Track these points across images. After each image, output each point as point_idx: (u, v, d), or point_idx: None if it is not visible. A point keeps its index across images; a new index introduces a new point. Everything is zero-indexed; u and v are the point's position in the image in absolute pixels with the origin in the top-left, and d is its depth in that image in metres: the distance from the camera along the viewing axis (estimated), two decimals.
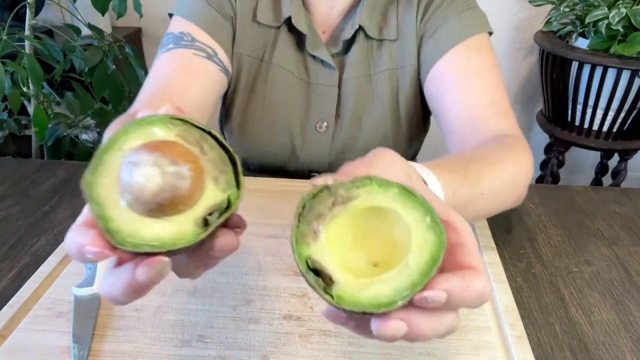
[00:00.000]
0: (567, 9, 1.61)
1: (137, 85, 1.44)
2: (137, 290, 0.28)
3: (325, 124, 0.76)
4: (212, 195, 0.29)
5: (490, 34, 0.71)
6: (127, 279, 0.27)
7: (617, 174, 1.83)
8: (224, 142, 0.31)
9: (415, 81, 0.75)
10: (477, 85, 0.66)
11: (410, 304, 0.27)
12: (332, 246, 0.29)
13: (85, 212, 0.30)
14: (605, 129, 1.69)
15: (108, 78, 1.37)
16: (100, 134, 1.43)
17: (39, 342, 0.46)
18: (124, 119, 0.40)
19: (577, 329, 0.50)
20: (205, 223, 0.29)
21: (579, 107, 1.69)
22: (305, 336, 0.46)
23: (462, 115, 0.65)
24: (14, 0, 1.66)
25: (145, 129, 0.30)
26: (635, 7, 1.46)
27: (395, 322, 0.26)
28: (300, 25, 0.71)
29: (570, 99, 1.69)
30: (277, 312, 0.49)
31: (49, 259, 0.56)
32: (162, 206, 0.27)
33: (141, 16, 1.41)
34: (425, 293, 0.26)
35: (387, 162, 0.34)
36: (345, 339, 0.46)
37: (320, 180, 0.30)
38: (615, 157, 1.84)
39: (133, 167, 0.27)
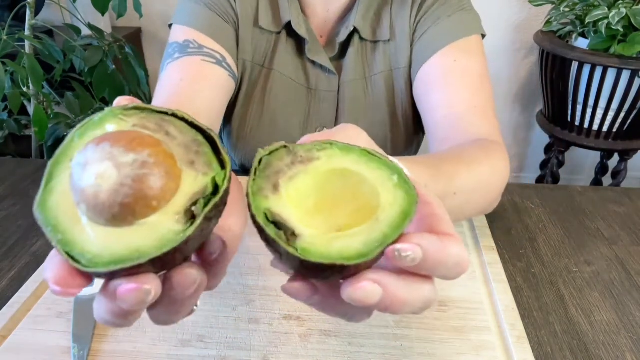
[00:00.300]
0: (567, 9, 1.61)
1: (137, 85, 1.44)
2: (128, 316, 0.25)
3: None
4: (191, 182, 0.24)
5: (483, 36, 0.71)
6: (112, 307, 0.24)
7: (617, 174, 1.83)
8: (195, 122, 0.26)
9: (410, 82, 0.75)
10: (460, 87, 0.66)
11: (383, 270, 0.24)
12: (293, 203, 0.26)
13: None
14: (605, 129, 1.69)
15: (108, 78, 1.37)
16: None
17: (39, 342, 0.46)
18: None
19: (577, 329, 0.50)
20: (191, 216, 0.24)
21: (579, 107, 1.69)
22: (305, 336, 0.46)
23: (443, 117, 0.65)
24: (14, 0, 1.66)
25: (96, 130, 0.25)
26: (635, 7, 1.46)
27: (368, 283, 0.24)
28: (300, 29, 0.71)
29: (570, 99, 1.69)
30: (277, 312, 0.49)
31: None
32: (127, 207, 0.22)
33: (141, 16, 1.41)
34: (399, 245, 0.24)
35: (353, 135, 0.33)
36: (345, 339, 0.46)
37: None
38: (615, 157, 1.84)
39: (80, 168, 0.23)
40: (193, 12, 0.69)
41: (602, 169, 1.93)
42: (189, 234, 0.23)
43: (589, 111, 1.67)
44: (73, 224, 0.23)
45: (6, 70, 1.19)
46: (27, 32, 1.29)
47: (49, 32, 1.56)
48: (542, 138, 2.00)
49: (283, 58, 0.74)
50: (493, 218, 0.65)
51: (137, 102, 0.27)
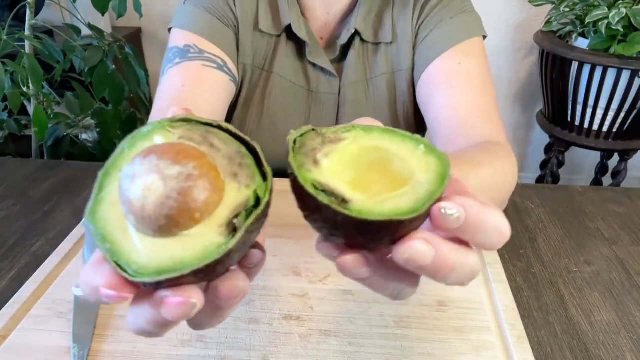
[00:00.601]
0: (567, 9, 1.61)
1: (137, 85, 1.44)
2: (168, 326, 0.25)
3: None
4: (234, 194, 0.25)
5: (484, 37, 0.71)
6: (153, 317, 0.24)
7: (617, 174, 1.83)
8: (239, 133, 0.26)
9: (412, 84, 0.75)
10: (464, 89, 0.66)
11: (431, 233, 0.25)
12: (335, 175, 0.26)
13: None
14: (605, 129, 1.69)
15: (108, 78, 1.37)
16: (100, 134, 1.43)
17: (39, 342, 0.46)
18: None
19: (577, 329, 0.50)
20: (233, 229, 0.24)
21: (579, 107, 1.69)
22: (305, 336, 0.46)
23: (447, 119, 0.65)
24: (14, 0, 1.66)
25: (144, 142, 0.26)
26: (635, 7, 1.46)
27: (420, 241, 0.24)
28: (300, 32, 0.71)
29: (570, 99, 1.69)
30: (277, 312, 0.49)
31: (49, 259, 0.56)
32: (173, 219, 0.23)
33: (141, 16, 1.41)
34: (444, 203, 0.24)
35: (370, 123, 0.32)
36: (345, 339, 0.46)
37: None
38: (615, 157, 1.84)
39: (129, 180, 0.23)
40: (193, 16, 0.69)
41: (602, 169, 1.93)
42: (231, 247, 0.23)
43: (589, 111, 1.67)
44: (121, 235, 0.24)
45: (6, 70, 1.19)
46: (27, 32, 1.29)
47: (49, 32, 1.56)
48: (542, 138, 2.00)
49: (283, 61, 0.74)
50: None
51: (188, 113, 0.27)
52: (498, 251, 0.59)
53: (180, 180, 0.23)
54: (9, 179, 0.77)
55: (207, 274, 0.23)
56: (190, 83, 0.64)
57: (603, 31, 1.48)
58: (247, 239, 0.24)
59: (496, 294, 0.51)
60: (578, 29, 1.62)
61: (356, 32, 0.71)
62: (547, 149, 1.97)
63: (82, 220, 0.61)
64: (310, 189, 0.24)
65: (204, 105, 0.64)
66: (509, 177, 0.55)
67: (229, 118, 0.77)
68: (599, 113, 1.66)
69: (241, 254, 0.25)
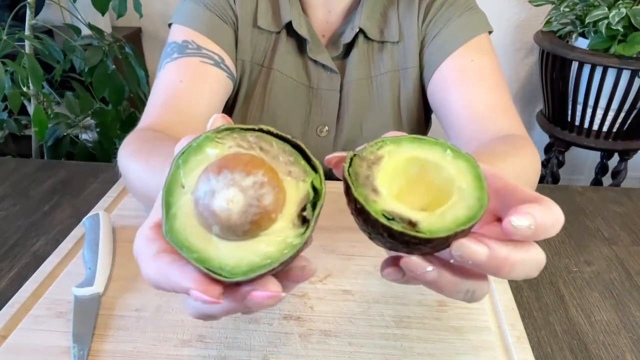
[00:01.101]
0: (567, 9, 1.61)
1: (137, 85, 1.44)
2: (237, 311, 0.28)
3: (326, 128, 0.76)
4: (295, 190, 0.27)
5: (490, 32, 0.72)
6: (234, 308, 0.27)
7: (617, 174, 1.83)
8: (280, 133, 0.29)
9: (417, 83, 0.75)
10: (479, 86, 0.67)
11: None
12: (394, 198, 0.29)
13: (148, 233, 0.29)
14: (605, 129, 1.69)
15: (108, 78, 1.37)
16: (100, 134, 1.43)
17: (39, 342, 0.46)
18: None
19: (577, 329, 0.50)
20: (303, 220, 0.27)
21: (579, 107, 1.69)
22: (305, 336, 0.46)
23: (467, 117, 0.65)
24: (14, 0, 1.66)
25: (197, 155, 0.28)
26: (635, 7, 1.46)
27: (473, 241, 0.26)
28: (301, 29, 0.71)
29: (570, 99, 1.69)
30: (277, 312, 0.49)
31: (49, 259, 0.56)
32: (256, 223, 0.25)
33: (141, 16, 1.41)
34: (513, 217, 0.26)
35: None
36: (345, 339, 0.46)
37: (335, 155, 0.32)
38: (615, 157, 1.84)
39: (210, 197, 0.25)
40: (192, 13, 0.70)
41: (602, 169, 1.93)
42: (307, 235, 0.26)
43: (589, 111, 1.67)
44: (205, 244, 0.26)
45: (6, 70, 1.19)
46: (27, 32, 1.29)
47: (49, 32, 1.56)
48: (542, 138, 2.00)
49: (283, 57, 0.74)
50: None
51: (228, 122, 0.29)
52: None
53: (256, 189, 0.25)
54: (9, 179, 0.77)
55: (290, 263, 0.26)
56: (187, 79, 0.65)
57: (603, 31, 1.48)
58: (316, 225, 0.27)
59: (496, 294, 0.51)
60: (578, 29, 1.62)
61: (360, 31, 0.71)
62: (547, 149, 1.97)
63: (82, 220, 0.61)
64: (384, 221, 0.27)
65: (201, 101, 0.65)
66: (535, 166, 0.55)
67: (229, 114, 0.78)
68: (599, 113, 1.66)
69: (311, 240, 0.28)
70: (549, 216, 0.27)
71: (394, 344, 0.46)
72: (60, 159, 1.35)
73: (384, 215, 0.28)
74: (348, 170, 0.29)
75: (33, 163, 0.83)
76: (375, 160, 0.30)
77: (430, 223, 0.27)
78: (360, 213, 0.28)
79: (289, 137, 0.29)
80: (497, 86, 0.67)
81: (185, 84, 0.65)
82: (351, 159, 0.30)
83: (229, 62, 0.70)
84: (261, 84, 0.75)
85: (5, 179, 0.77)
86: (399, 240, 0.27)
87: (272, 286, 0.26)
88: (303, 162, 0.28)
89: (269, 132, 0.29)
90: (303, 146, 0.28)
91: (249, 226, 0.25)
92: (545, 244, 0.63)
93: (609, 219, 0.69)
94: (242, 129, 0.29)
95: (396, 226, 0.27)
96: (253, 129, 0.29)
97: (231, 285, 0.26)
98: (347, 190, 0.29)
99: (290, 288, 0.29)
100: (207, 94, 0.66)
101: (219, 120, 0.31)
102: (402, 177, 0.30)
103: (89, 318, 0.48)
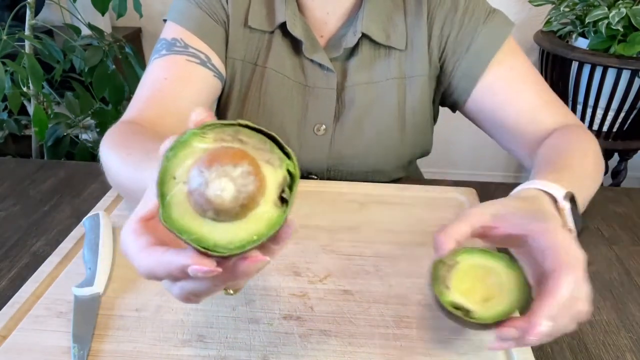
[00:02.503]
0: (567, 9, 1.61)
1: (137, 85, 1.43)
2: (225, 282, 0.32)
3: (324, 127, 0.75)
4: (273, 176, 0.32)
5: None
6: (223, 279, 0.31)
7: (617, 174, 1.83)
8: (255, 126, 0.33)
9: (425, 92, 0.74)
10: (526, 89, 0.70)
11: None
12: (459, 293, 0.41)
13: (137, 230, 0.33)
14: (605, 129, 1.69)
15: (108, 78, 1.37)
16: (100, 134, 1.43)
17: (39, 342, 0.46)
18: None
19: (577, 329, 0.50)
20: (282, 201, 0.31)
21: (579, 107, 1.69)
22: (305, 336, 0.46)
23: (525, 121, 0.69)
24: (14, 0, 1.66)
25: (185, 150, 0.32)
26: (635, 7, 1.46)
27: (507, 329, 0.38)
28: (295, 30, 0.71)
29: (570, 99, 1.69)
30: (277, 312, 0.49)
31: (49, 259, 0.56)
32: (244, 206, 0.30)
33: (141, 16, 1.41)
34: (534, 332, 0.36)
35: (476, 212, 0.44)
36: (345, 339, 0.46)
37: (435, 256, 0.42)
38: (615, 157, 1.84)
39: (205, 186, 0.29)
40: (183, 11, 0.71)
41: None
42: (288, 212, 0.31)
43: (589, 111, 1.67)
44: (200, 226, 0.30)
45: (6, 70, 1.19)
46: (27, 32, 1.29)
47: (49, 32, 1.56)
48: None
49: (278, 56, 0.73)
50: None
51: (209, 119, 0.33)
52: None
53: (244, 178, 0.29)
54: (9, 179, 0.77)
55: (274, 238, 0.31)
56: (172, 76, 0.67)
57: (603, 31, 1.48)
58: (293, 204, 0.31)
59: None
60: (578, 29, 1.62)
61: (364, 35, 0.71)
62: None
63: (82, 220, 0.61)
64: (450, 309, 0.40)
65: (184, 98, 0.66)
66: (598, 150, 0.64)
67: (224, 113, 0.78)
68: (599, 113, 1.66)
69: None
70: (559, 307, 0.37)
71: (394, 344, 0.46)
72: (60, 159, 1.35)
73: (451, 304, 0.41)
74: (433, 273, 0.42)
75: (33, 163, 0.83)
76: (453, 264, 0.43)
77: (481, 313, 0.40)
78: (437, 302, 0.41)
79: (263, 129, 0.32)
80: (539, 82, 0.71)
81: (169, 81, 0.66)
82: (437, 263, 0.43)
83: (216, 61, 0.70)
84: (256, 83, 0.75)
85: (5, 179, 0.77)
86: (460, 322, 0.40)
87: (256, 254, 0.31)
88: (277, 150, 0.32)
89: (246, 126, 0.33)
90: (276, 136, 0.32)
91: (239, 209, 0.30)
92: None
93: (609, 219, 0.69)
94: (222, 124, 0.32)
95: (457, 312, 0.40)
96: (232, 124, 0.33)
97: (220, 260, 0.30)
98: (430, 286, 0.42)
99: (276, 252, 0.32)
100: (190, 92, 0.67)
101: (201, 113, 0.33)
102: (470, 277, 0.42)
103: (89, 318, 0.48)
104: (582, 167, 0.57)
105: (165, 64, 0.68)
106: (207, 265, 0.29)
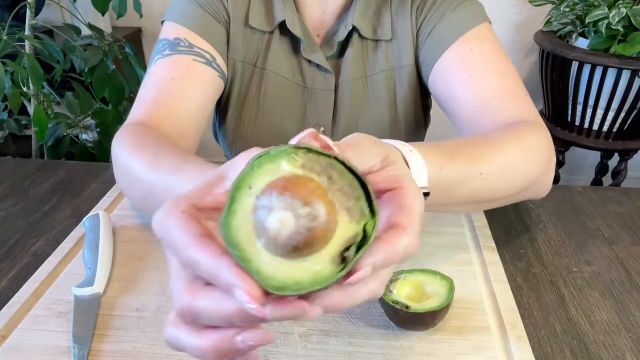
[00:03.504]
0: (567, 9, 1.61)
1: (137, 85, 1.44)
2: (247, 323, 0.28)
3: (322, 128, 0.76)
4: (346, 228, 0.29)
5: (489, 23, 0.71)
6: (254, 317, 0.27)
7: (617, 174, 1.83)
8: (352, 166, 0.30)
9: (414, 80, 0.75)
10: (483, 74, 0.65)
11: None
12: (401, 295, 0.47)
13: (193, 230, 0.28)
14: (605, 129, 1.69)
15: (108, 78, 1.37)
16: (100, 134, 1.43)
17: (39, 342, 0.46)
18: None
19: (577, 329, 0.50)
20: (343, 259, 0.28)
21: (579, 107, 1.69)
22: (305, 336, 0.46)
23: (473, 107, 0.64)
24: (14, 0, 1.66)
25: (271, 164, 0.30)
26: (635, 7, 1.46)
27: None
28: (294, 28, 0.71)
29: (570, 99, 1.69)
30: None
31: (49, 259, 0.56)
32: (298, 249, 0.27)
33: (141, 16, 1.41)
34: (354, 276, 0.28)
35: (365, 144, 0.35)
36: (345, 339, 0.46)
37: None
38: (615, 157, 1.84)
39: (266, 212, 0.27)
40: (185, 10, 0.70)
41: (602, 169, 1.93)
42: (340, 276, 0.27)
43: (589, 111, 1.67)
44: (250, 246, 0.28)
45: (6, 70, 1.19)
46: (27, 32, 1.29)
47: (49, 32, 1.56)
48: None
49: (277, 57, 0.73)
50: (493, 217, 0.65)
51: (312, 144, 0.31)
52: (498, 251, 0.59)
53: (309, 220, 0.27)
54: (9, 179, 0.77)
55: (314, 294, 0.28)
56: (180, 76, 0.65)
57: (603, 31, 1.48)
58: (354, 270, 0.28)
59: (496, 294, 0.51)
60: (578, 28, 1.62)
61: (354, 29, 0.71)
62: None
63: (82, 220, 0.61)
64: (392, 304, 0.46)
65: (191, 99, 0.65)
66: (539, 152, 0.56)
67: (223, 115, 0.78)
68: (599, 113, 1.66)
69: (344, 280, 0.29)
70: (390, 256, 0.29)
71: (394, 344, 0.46)
72: (60, 159, 1.35)
73: (392, 301, 0.46)
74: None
75: (33, 163, 0.83)
76: (395, 279, 0.49)
77: (417, 307, 0.45)
78: (381, 301, 0.47)
79: (359, 172, 0.30)
80: (503, 72, 0.66)
81: (177, 81, 0.65)
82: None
83: (220, 61, 0.70)
84: (255, 85, 0.75)
85: (5, 179, 0.77)
86: (399, 314, 0.45)
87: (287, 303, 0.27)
88: (364, 202, 0.29)
89: (342, 163, 0.30)
90: (369, 186, 0.29)
91: (291, 249, 0.27)
92: (545, 243, 0.63)
93: (609, 219, 0.69)
94: (319, 152, 0.30)
95: (400, 307, 0.45)
96: (328, 156, 0.30)
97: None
98: None
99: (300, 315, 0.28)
100: (197, 92, 0.66)
101: (310, 134, 0.31)
102: (410, 286, 0.48)
103: (89, 318, 0.48)
104: (495, 156, 0.52)
105: (171, 64, 0.66)
106: (254, 297, 0.26)
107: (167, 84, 0.65)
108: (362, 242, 0.28)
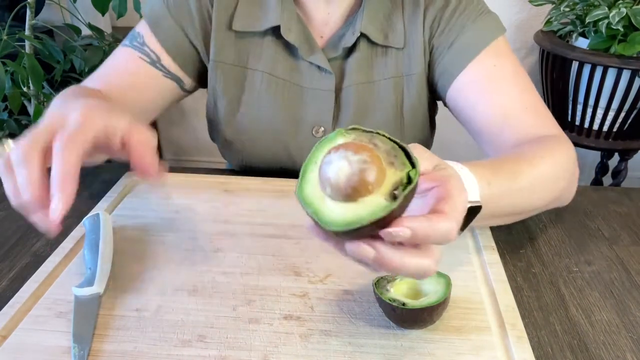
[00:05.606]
0: (567, 9, 1.61)
1: None
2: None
3: (322, 128, 0.75)
4: (392, 175, 0.35)
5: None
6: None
7: (617, 174, 1.83)
8: (392, 137, 0.37)
9: (422, 89, 0.74)
10: (506, 91, 0.68)
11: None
12: (398, 293, 0.47)
13: None
14: (605, 128, 1.69)
15: None
16: None
17: (39, 342, 0.46)
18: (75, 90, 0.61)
19: (577, 329, 0.50)
20: (394, 197, 0.34)
21: (579, 107, 1.69)
22: (305, 336, 0.46)
23: (498, 123, 0.67)
24: (14, 0, 1.66)
25: (329, 142, 0.38)
26: (635, 7, 1.46)
27: (366, 245, 0.36)
28: (289, 36, 0.70)
29: (570, 98, 1.69)
30: (277, 312, 0.49)
31: (49, 259, 0.56)
32: (356, 190, 0.33)
33: (141, 16, 1.41)
34: (391, 229, 0.34)
35: (420, 150, 0.41)
36: (345, 339, 0.46)
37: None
38: (616, 157, 1.84)
39: (327, 165, 0.34)
40: (153, 8, 0.74)
41: (602, 169, 1.93)
42: (394, 207, 0.33)
43: (589, 111, 1.67)
44: (320, 203, 0.36)
45: (6, 70, 1.19)
46: (27, 32, 1.29)
47: (49, 32, 1.56)
48: None
49: (272, 58, 0.73)
50: None
51: (355, 125, 0.39)
52: (498, 251, 0.59)
53: (360, 164, 0.34)
54: None
55: (378, 226, 0.34)
56: (123, 69, 0.73)
57: (603, 31, 1.48)
58: (404, 204, 0.35)
59: (496, 294, 0.51)
60: (578, 28, 1.62)
61: (362, 35, 0.71)
62: None
63: (82, 220, 0.61)
64: (389, 302, 0.45)
65: (127, 94, 0.71)
66: (567, 165, 0.61)
67: (215, 119, 0.78)
68: (599, 113, 1.66)
69: (398, 214, 0.35)
70: (431, 230, 0.35)
71: (394, 344, 0.46)
72: None
73: (389, 299, 0.46)
74: (375, 284, 0.48)
75: None
76: (392, 279, 0.49)
77: (413, 304, 0.45)
78: (378, 299, 0.47)
79: (397, 140, 0.37)
80: (523, 87, 0.68)
81: (120, 74, 0.72)
82: (378, 280, 0.48)
83: (167, 62, 0.73)
84: (249, 86, 0.74)
85: None
86: (396, 311, 0.45)
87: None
88: (405, 159, 0.36)
89: (383, 135, 0.37)
90: (407, 148, 0.36)
91: (350, 190, 0.34)
92: (545, 243, 0.63)
93: (609, 219, 0.69)
94: (364, 130, 0.38)
95: (396, 304, 0.45)
96: (372, 132, 0.38)
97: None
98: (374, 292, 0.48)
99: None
100: (135, 88, 0.72)
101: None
102: (406, 286, 0.49)
103: (89, 318, 0.48)
104: (531, 172, 0.56)
105: (122, 55, 0.73)
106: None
107: (112, 70, 0.73)
108: (407, 185, 0.35)
